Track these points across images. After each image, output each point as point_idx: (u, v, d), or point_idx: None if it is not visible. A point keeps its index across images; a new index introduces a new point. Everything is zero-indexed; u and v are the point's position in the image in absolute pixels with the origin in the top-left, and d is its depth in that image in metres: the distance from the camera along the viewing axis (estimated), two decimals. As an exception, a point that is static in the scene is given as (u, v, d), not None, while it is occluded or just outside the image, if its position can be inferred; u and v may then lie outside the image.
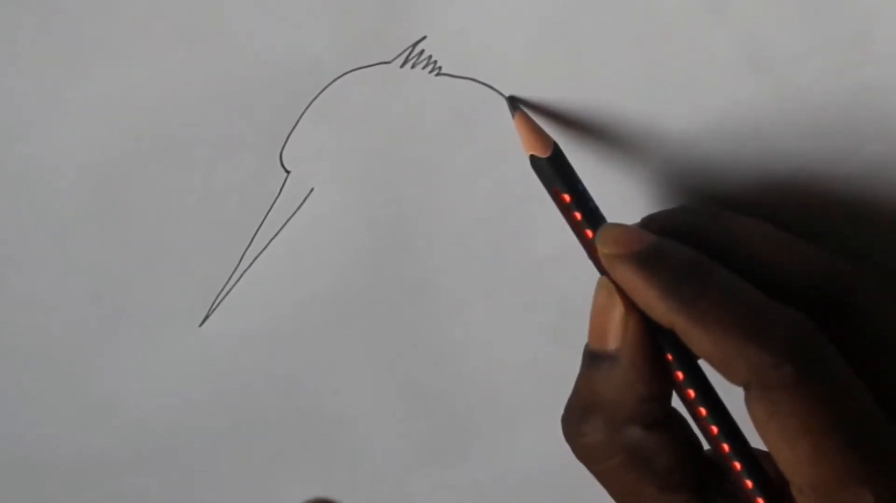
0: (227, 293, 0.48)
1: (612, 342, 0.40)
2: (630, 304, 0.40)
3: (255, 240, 0.47)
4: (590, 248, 0.41)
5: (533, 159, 0.42)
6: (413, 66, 0.43)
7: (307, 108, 0.44)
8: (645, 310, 0.39)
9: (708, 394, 0.40)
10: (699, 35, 0.42)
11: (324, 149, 0.45)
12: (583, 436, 0.41)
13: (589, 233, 0.41)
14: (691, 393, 0.40)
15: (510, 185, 0.45)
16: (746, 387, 0.38)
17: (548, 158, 0.41)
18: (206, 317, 0.49)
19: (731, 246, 0.41)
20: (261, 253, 0.47)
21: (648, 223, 0.43)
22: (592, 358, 0.41)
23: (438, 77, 0.43)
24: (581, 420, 0.41)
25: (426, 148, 0.45)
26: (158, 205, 0.46)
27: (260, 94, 0.44)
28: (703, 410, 0.40)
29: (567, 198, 0.41)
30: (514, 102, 0.43)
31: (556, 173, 0.41)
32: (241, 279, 0.47)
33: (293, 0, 0.42)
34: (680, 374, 0.40)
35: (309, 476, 0.53)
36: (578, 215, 0.41)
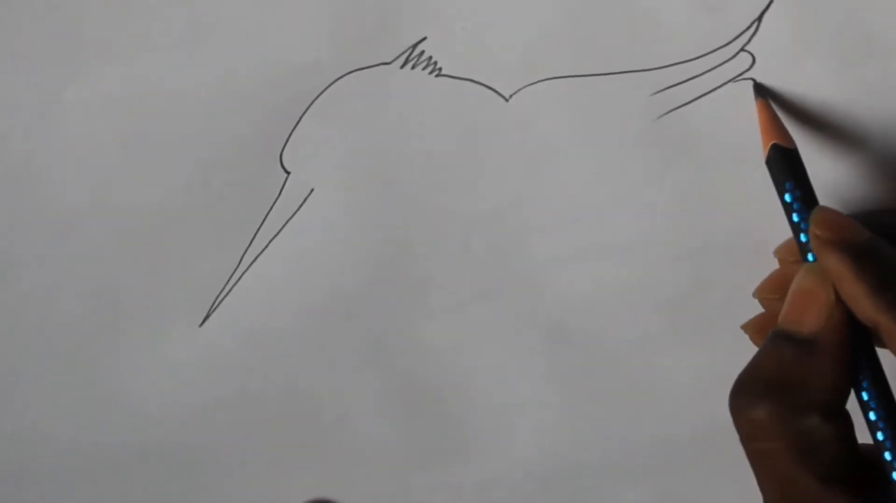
0: (227, 293, 0.48)
1: (814, 325, 0.40)
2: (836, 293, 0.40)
3: (255, 240, 0.47)
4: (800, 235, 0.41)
5: (773, 149, 0.41)
6: (413, 67, 0.43)
7: (307, 108, 0.44)
8: (847, 302, 0.39)
9: (887, 398, 0.40)
10: None
11: (324, 149, 0.45)
12: (755, 412, 0.40)
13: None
14: (868, 393, 0.40)
15: (510, 185, 0.45)
16: None
17: (787, 150, 0.41)
18: (207, 317, 0.49)
19: None
20: (261, 253, 0.47)
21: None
22: (783, 338, 0.40)
23: (438, 78, 0.43)
24: (759, 396, 0.40)
25: (426, 148, 0.45)
26: (158, 205, 0.46)
27: (260, 94, 0.44)
28: (878, 413, 0.40)
29: (797, 193, 0.41)
30: (761, 90, 0.42)
31: (792, 167, 0.41)
32: (241, 279, 0.47)
33: (293, 1, 0.42)
34: (863, 373, 0.40)
35: (309, 476, 0.53)
36: (802, 211, 0.41)
